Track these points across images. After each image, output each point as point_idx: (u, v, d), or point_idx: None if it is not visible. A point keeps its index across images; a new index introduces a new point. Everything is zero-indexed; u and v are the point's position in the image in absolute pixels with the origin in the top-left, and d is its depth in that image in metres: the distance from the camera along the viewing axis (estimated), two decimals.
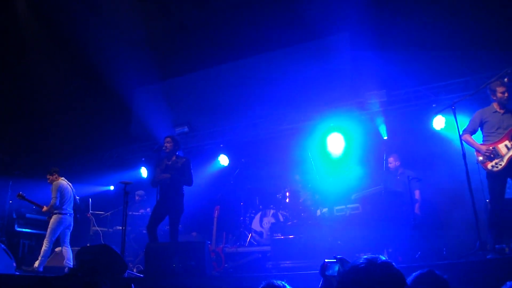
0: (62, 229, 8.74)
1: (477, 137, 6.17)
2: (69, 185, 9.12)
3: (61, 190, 8.90)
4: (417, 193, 8.01)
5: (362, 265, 1.76)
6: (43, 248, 8.49)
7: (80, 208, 9.29)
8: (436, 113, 8.26)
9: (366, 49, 9.18)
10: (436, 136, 8.51)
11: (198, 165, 10.68)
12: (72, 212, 8.95)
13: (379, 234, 7.31)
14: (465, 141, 6.10)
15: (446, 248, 7.28)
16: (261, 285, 2.62)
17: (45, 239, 8.56)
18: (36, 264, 8.41)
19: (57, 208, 8.78)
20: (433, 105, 8.73)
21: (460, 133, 6.12)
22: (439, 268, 2.77)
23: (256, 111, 10.74)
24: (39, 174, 9.34)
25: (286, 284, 2.67)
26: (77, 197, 9.16)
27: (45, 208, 8.76)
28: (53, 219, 8.71)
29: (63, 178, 9.14)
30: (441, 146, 8.32)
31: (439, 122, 8.44)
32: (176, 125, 11.48)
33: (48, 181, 9.05)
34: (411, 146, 8.72)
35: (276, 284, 2.54)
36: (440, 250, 7.24)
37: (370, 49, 9.11)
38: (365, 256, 1.82)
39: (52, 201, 8.79)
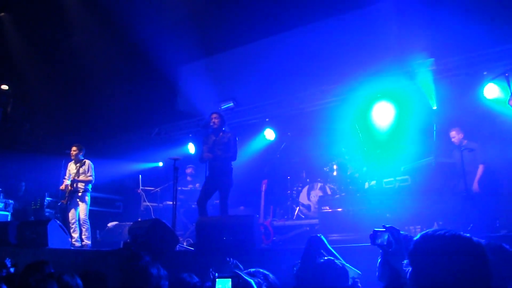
0: None
1: None
2: None
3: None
4: (480, 168, 7.65)
5: (447, 233, 1.73)
6: (87, 226, 8.90)
7: None
8: (488, 81, 7.96)
9: (413, 16, 8.89)
10: (489, 105, 8.19)
11: (244, 140, 10.74)
12: None
13: (429, 207, 7.20)
14: None
15: (499, 220, 7.08)
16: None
17: (86, 218, 8.92)
18: (88, 241, 8.78)
19: (90, 187, 9.16)
20: (484, 73, 8.39)
21: (508, 99, 5.83)
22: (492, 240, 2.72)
23: (302, 84, 10.63)
24: (89, 152, 9.64)
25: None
26: None
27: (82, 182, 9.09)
28: (87, 198, 9.07)
29: None
30: (494, 115, 8.02)
31: (491, 91, 8.10)
32: (221, 100, 11.52)
33: (74, 156, 9.29)
34: (462, 116, 8.43)
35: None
36: (493, 223, 7.06)
37: (416, 16, 8.81)
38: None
39: (91, 179, 9.16)
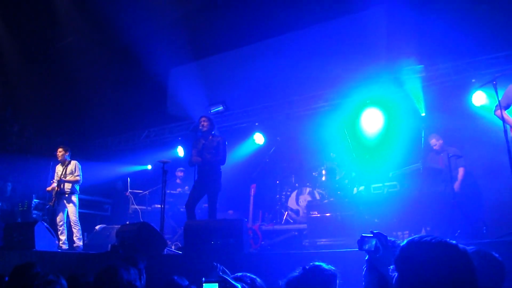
0: None
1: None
2: None
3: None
4: (460, 171, 7.82)
5: (433, 240, 1.75)
6: (78, 227, 8.81)
7: None
8: (476, 89, 8.03)
9: (403, 23, 8.97)
10: (476, 113, 8.28)
11: (234, 144, 10.74)
12: None
13: (417, 212, 7.24)
14: (499, 118, 5.79)
15: (486, 227, 7.14)
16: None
17: (77, 219, 8.85)
18: (80, 243, 8.71)
19: (78, 188, 9.08)
20: (473, 80, 8.48)
21: (494, 109, 5.87)
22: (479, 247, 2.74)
23: (291, 89, 10.67)
24: (78, 154, 9.59)
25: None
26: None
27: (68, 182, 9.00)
28: (75, 199, 9.00)
29: None
30: (482, 123, 8.09)
31: (479, 98, 8.19)
32: (211, 104, 11.52)
33: (61, 157, 9.22)
34: (450, 122, 8.50)
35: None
36: (480, 229, 7.11)
37: (406, 23, 8.89)
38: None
39: (79, 179, 9.08)
